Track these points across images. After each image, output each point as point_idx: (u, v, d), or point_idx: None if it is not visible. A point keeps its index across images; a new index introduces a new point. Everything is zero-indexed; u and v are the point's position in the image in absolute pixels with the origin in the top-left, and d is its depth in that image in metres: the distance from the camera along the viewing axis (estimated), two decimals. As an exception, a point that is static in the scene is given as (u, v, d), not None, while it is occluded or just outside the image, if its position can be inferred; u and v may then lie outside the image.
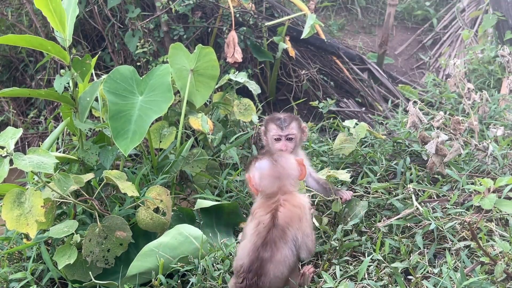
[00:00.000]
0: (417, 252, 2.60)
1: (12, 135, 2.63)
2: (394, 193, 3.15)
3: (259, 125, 4.17)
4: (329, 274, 2.53)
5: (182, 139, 3.71)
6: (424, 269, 2.47)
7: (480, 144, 3.24)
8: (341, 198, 2.94)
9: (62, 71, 3.08)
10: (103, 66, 5.72)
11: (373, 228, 2.86)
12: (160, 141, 3.74)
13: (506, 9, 5.60)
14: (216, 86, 4.15)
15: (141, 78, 3.33)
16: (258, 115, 4.27)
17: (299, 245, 2.33)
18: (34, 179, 2.84)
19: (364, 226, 2.92)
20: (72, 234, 2.75)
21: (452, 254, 2.55)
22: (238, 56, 4.77)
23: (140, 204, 3.00)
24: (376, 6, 7.60)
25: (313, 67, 5.72)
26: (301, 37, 4.97)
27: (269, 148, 3.09)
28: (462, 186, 2.99)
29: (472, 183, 3.02)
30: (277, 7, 5.77)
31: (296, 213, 2.34)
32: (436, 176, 3.30)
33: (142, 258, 2.75)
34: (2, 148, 2.58)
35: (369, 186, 3.33)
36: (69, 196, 2.80)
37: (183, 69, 3.83)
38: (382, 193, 3.13)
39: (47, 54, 3.11)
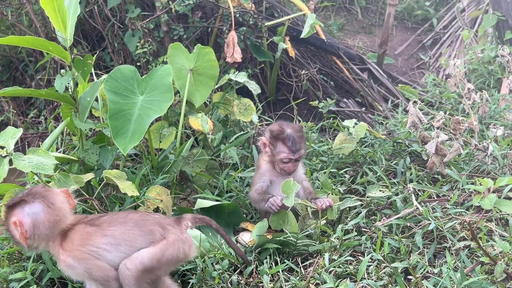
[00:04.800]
0: (417, 252, 2.60)
1: (12, 135, 2.63)
2: (394, 191, 3.16)
3: (259, 125, 4.17)
4: (329, 273, 2.53)
5: (182, 139, 3.71)
6: (424, 269, 2.47)
7: (480, 144, 3.24)
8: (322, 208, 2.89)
9: (62, 71, 3.09)
10: (103, 66, 5.72)
11: (373, 228, 2.86)
12: (160, 141, 3.74)
13: (506, 9, 5.60)
14: (216, 86, 4.15)
15: (142, 78, 3.33)
16: (258, 115, 4.27)
17: None
18: (34, 179, 2.84)
19: (363, 223, 2.92)
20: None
21: (452, 254, 2.55)
22: (238, 56, 4.77)
23: (140, 204, 3.00)
24: (376, 6, 7.60)
25: (313, 67, 5.72)
26: (301, 37, 4.96)
27: (270, 158, 3.04)
28: (462, 186, 2.99)
29: (472, 183, 3.02)
30: (277, 7, 5.77)
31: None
32: (436, 176, 3.31)
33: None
34: (2, 148, 2.58)
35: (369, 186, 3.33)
36: (69, 196, 2.80)
37: (183, 68, 3.83)
38: (381, 191, 3.13)
39: (48, 54, 3.11)
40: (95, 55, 3.39)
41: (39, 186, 2.34)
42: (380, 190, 3.09)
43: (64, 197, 2.34)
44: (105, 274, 2.25)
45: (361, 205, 3.13)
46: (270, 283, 2.58)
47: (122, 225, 2.31)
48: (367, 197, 3.13)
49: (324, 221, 2.89)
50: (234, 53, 4.77)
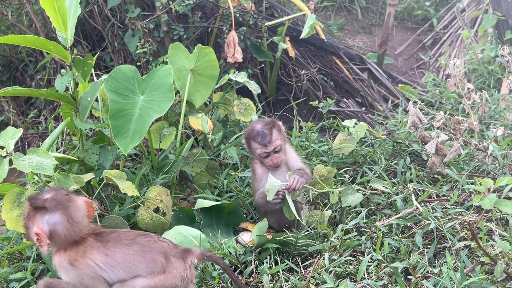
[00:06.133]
0: (417, 252, 2.60)
1: (12, 135, 2.63)
2: (394, 191, 3.16)
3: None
4: (329, 273, 2.54)
5: (182, 139, 3.71)
6: (424, 269, 2.47)
7: (480, 144, 3.24)
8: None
9: (63, 70, 3.09)
10: (103, 66, 5.72)
11: (373, 228, 2.86)
12: (160, 141, 3.74)
13: (506, 9, 5.60)
14: (216, 86, 4.15)
15: (143, 77, 3.33)
16: (258, 115, 4.27)
17: None
18: (34, 179, 2.84)
19: (363, 223, 2.92)
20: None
21: (452, 254, 2.56)
22: (239, 56, 4.77)
23: (140, 204, 3.00)
24: (376, 6, 7.60)
25: (313, 67, 5.72)
26: (300, 37, 4.97)
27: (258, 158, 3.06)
28: (462, 186, 2.99)
29: (472, 183, 3.02)
30: (277, 7, 5.77)
31: None
32: (436, 176, 3.31)
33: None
34: (2, 148, 2.58)
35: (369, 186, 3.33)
36: (69, 196, 2.80)
37: (183, 69, 3.83)
38: (382, 191, 3.13)
39: (48, 54, 3.11)
40: (95, 55, 3.39)
41: (64, 193, 2.32)
42: (384, 186, 3.09)
43: (85, 209, 2.32)
44: (95, 284, 2.25)
45: (363, 195, 3.12)
46: (270, 283, 2.58)
47: (126, 248, 2.27)
48: (370, 187, 3.12)
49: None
50: (235, 53, 4.77)
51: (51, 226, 2.20)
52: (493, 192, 2.27)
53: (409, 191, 2.89)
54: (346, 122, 3.66)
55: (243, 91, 4.52)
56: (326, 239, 2.88)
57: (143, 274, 2.25)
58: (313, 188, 2.98)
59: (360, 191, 2.98)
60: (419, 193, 3.11)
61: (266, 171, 3.03)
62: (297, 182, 2.84)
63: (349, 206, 3.06)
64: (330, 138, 4.23)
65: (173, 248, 2.33)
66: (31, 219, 2.24)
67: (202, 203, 3.18)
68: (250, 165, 3.28)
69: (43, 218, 2.21)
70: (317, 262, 2.70)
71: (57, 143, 3.83)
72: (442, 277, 2.33)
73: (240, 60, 4.79)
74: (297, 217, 2.86)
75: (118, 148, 3.10)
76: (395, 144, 3.79)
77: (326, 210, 2.97)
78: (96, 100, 3.48)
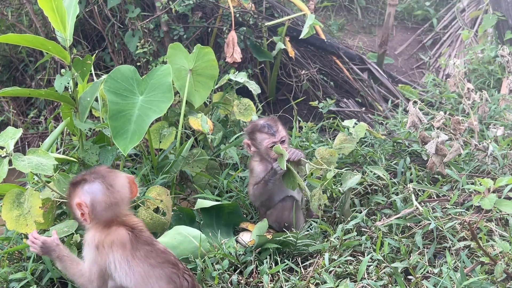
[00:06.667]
0: (417, 252, 2.60)
1: (12, 135, 2.63)
2: (394, 191, 3.15)
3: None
4: (329, 273, 2.53)
5: (182, 139, 3.71)
6: (424, 269, 2.47)
7: (480, 144, 3.24)
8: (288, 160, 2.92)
9: (62, 70, 3.08)
10: (103, 66, 5.71)
11: (373, 228, 2.86)
12: (160, 141, 3.74)
13: (506, 9, 5.60)
14: (216, 86, 4.15)
15: (142, 78, 3.33)
16: (258, 115, 4.27)
17: None
18: (34, 179, 2.84)
19: (364, 223, 2.92)
20: (72, 234, 2.75)
21: (452, 254, 2.55)
22: (237, 56, 4.77)
23: (140, 204, 2.99)
24: (376, 6, 7.60)
25: (313, 67, 5.71)
26: (300, 37, 4.97)
27: (262, 156, 3.07)
28: (462, 186, 2.99)
29: (472, 183, 3.02)
30: (277, 7, 5.77)
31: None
32: (436, 176, 3.31)
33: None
34: (2, 148, 2.58)
35: (369, 186, 3.33)
36: (69, 196, 2.80)
37: (182, 69, 3.82)
38: (381, 185, 3.13)
39: (47, 53, 3.11)
40: (94, 55, 3.38)
41: (104, 167, 2.32)
42: (383, 175, 3.13)
43: (126, 182, 2.30)
44: (99, 276, 2.22)
45: (361, 183, 3.12)
46: (270, 283, 2.58)
47: (150, 268, 2.20)
48: (370, 172, 3.16)
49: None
50: (234, 53, 4.77)
51: (92, 194, 2.19)
52: (493, 192, 2.27)
53: (409, 191, 2.89)
54: (346, 122, 3.66)
55: (243, 91, 4.52)
56: (326, 239, 2.88)
57: None
58: (310, 162, 3.04)
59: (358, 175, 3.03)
60: (419, 193, 3.11)
61: (265, 170, 3.03)
62: (293, 153, 2.96)
63: (350, 207, 3.07)
64: (330, 138, 4.23)
65: None
66: (71, 194, 2.24)
67: (202, 203, 3.18)
68: (248, 164, 3.28)
69: (82, 189, 2.21)
70: (317, 262, 2.70)
71: (57, 143, 3.83)
72: (442, 277, 2.33)
73: (239, 60, 4.79)
74: (301, 184, 2.92)
75: (118, 148, 3.10)
76: (395, 144, 3.79)
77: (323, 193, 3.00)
78: (96, 100, 3.48)
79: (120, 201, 2.24)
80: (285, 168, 2.88)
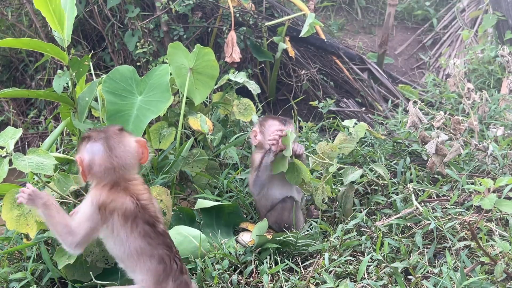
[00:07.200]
0: (417, 252, 2.60)
1: (12, 135, 2.63)
2: (393, 191, 3.15)
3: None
4: (329, 273, 2.53)
5: (181, 139, 3.71)
6: (424, 269, 2.47)
7: (480, 144, 3.24)
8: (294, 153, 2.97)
9: (60, 71, 3.08)
10: (103, 66, 5.72)
11: (373, 228, 2.86)
12: (160, 141, 3.74)
13: (506, 9, 5.60)
14: (216, 86, 4.14)
15: (141, 78, 3.33)
16: (258, 115, 4.27)
17: None
18: (34, 179, 2.84)
19: (364, 223, 2.92)
20: (72, 234, 2.74)
21: (452, 254, 2.55)
22: (236, 56, 4.77)
23: (140, 204, 2.99)
24: (376, 6, 7.60)
25: (313, 67, 5.72)
26: (300, 36, 4.97)
27: (264, 146, 3.09)
28: (462, 186, 2.99)
29: (472, 183, 3.02)
30: (277, 7, 5.77)
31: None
32: (436, 176, 3.31)
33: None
34: (2, 148, 2.58)
35: (368, 186, 3.33)
36: (69, 196, 2.80)
37: (182, 67, 3.82)
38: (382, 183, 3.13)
39: (47, 54, 3.11)
40: (91, 54, 3.38)
41: (116, 127, 2.26)
42: (384, 173, 3.16)
43: (132, 147, 2.24)
44: (87, 233, 2.17)
45: (362, 176, 3.15)
46: (270, 283, 2.58)
47: (145, 246, 2.21)
48: (370, 172, 3.18)
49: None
50: (233, 53, 4.77)
51: (90, 154, 2.16)
52: (493, 192, 2.27)
53: (409, 191, 2.89)
54: (346, 122, 3.66)
55: (243, 91, 4.52)
56: (326, 239, 2.88)
57: (137, 273, 2.24)
58: (313, 156, 3.08)
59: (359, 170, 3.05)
60: (419, 193, 3.11)
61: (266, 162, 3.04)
62: (297, 146, 3.03)
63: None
64: (330, 138, 4.23)
65: (179, 274, 2.28)
66: (78, 147, 2.23)
67: (202, 203, 3.18)
68: (250, 156, 3.31)
69: (85, 146, 2.19)
70: (317, 262, 2.70)
71: (57, 143, 3.83)
72: (442, 277, 2.33)
73: (238, 60, 4.79)
74: (306, 178, 2.96)
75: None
76: (395, 144, 3.79)
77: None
78: (96, 100, 3.48)
79: (118, 167, 2.18)
80: (290, 154, 2.91)
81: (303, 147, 3.07)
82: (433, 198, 3.01)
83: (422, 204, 2.89)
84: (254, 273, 2.69)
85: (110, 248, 2.26)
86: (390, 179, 3.35)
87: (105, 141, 2.18)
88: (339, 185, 3.36)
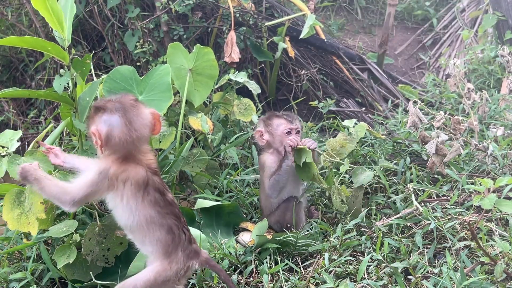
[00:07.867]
0: (417, 252, 2.60)
1: (11, 137, 2.62)
2: (393, 191, 3.15)
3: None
4: (329, 273, 2.53)
5: (182, 139, 3.71)
6: (424, 269, 2.47)
7: (480, 144, 3.24)
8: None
9: (61, 71, 3.08)
10: (103, 66, 5.71)
11: (373, 228, 2.86)
12: (160, 141, 3.73)
13: (506, 9, 5.60)
14: (216, 86, 4.15)
15: (141, 78, 3.33)
16: (258, 115, 4.27)
17: None
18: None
19: (363, 221, 2.92)
20: (72, 233, 2.74)
21: (452, 254, 2.55)
22: (235, 56, 4.77)
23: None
24: (376, 6, 7.60)
25: (313, 67, 5.72)
26: (300, 37, 4.97)
27: (274, 145, 3.07)
28: (462, 186, 2.99)
29: (472, 183, 3.02)
30: (277, 7, 5.77)
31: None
32: (436, 176, 3.31)
33: (142, 257, 2.74)
34: (3, 147, 2.58)
35: (368, 186, 3.33)
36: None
37: (182, 68, 3.82)
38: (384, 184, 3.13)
39: (47, 54, 3.10)
40: (92, 53, 3.38)
41: (130, 98, 2.22)
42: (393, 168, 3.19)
43: (148, 119, 2.22)
44: (86, 195, 2.16)
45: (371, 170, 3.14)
46: (270, 283, 2.58)
47: (155, 215, 2.20)
48: (379, 166, 3.17)
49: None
50: (232, 53, 4.77)
51: (108, 127, 2.12)
52: (493, 192, 2.27)
53: (409, 191, 2.89)
54: (346, 122, 3.66)
55: (243, 91, 4.52)
56: (326, 239, 2.88)
57: (146, 244, 2.24)
58: (325, 154, 3.07)
59: (370, 170, 3.04)
60: (419, 193, 3.11)
61: (277, 161, 3.02)
62: (309, 141, 2.96)
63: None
64: (330, 138, 4.22)
65: (187, 244, 2.29)
66: (91, 118, 2.18)
67: (202, 203, 3.18)
68: (258, 159, 3.26)
69: (101, 118, 2.14)
70: (317, 262, 2.70)
71: (57, 143, 3.83)
72: (442, 277, 2.33)
73: (237, 60, 4.78)
74: (316, 175, 2.92)
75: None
76: (395, 144, 3.79)
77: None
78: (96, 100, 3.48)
79: (136, 140, 2.16)
80: (311, 160, 2.89)
81: (316, 143, 3.01)
82: (433, 198, 3.01)
83: (422, 204, 2.89)
84: (254, 273, 2.69)
85: (119, 218, 2.24)
86: (390, 179, 3.35)
87: (124, 113, 2.14)
88: (339, 183, 3.36)
